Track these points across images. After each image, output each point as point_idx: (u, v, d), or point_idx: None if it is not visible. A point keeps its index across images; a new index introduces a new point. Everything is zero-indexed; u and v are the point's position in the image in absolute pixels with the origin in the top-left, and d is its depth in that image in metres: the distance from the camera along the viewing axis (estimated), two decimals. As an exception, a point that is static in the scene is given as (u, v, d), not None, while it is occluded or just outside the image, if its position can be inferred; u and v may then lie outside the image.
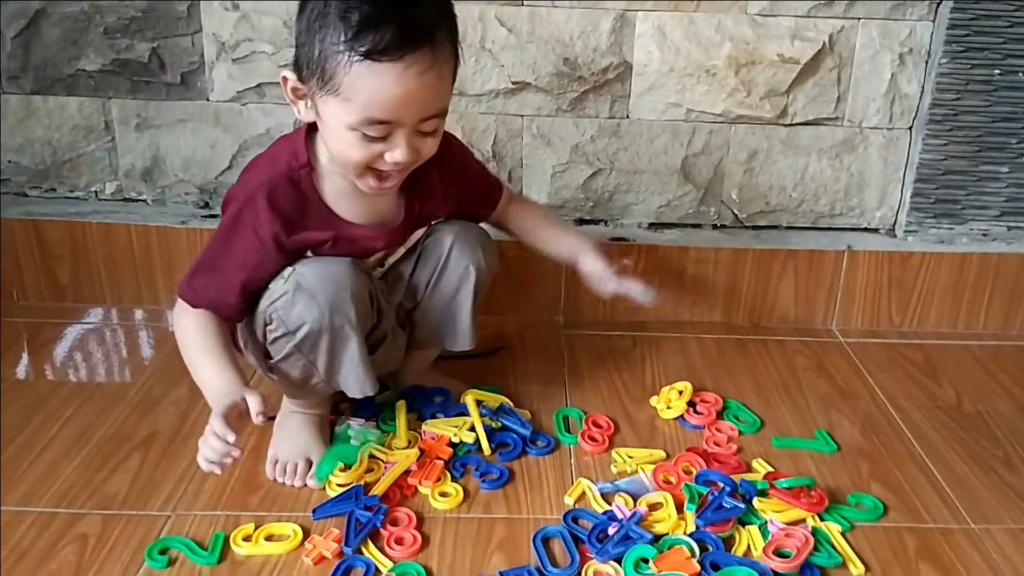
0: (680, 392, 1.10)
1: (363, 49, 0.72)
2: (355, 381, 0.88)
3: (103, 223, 1.28)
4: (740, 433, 1.03)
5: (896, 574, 0.81)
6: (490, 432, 0.98)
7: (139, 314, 1.30)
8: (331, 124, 0.79)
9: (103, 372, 1.14)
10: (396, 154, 0.78)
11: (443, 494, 0.89)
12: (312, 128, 0.86)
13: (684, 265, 1.30)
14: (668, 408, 1.07)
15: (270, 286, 0.86)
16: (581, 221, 1.36)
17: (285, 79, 0.81)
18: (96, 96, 1.30)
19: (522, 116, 1.30)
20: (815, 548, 0.82)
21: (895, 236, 1.36)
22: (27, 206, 1.32)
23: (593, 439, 1.00)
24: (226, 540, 0.82)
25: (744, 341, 1.28)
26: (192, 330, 0.86)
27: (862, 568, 0.81)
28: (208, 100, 1.30)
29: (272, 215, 0.83)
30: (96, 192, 1.37)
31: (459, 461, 0.94)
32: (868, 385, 1.17)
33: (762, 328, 1.32)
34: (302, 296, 0.84)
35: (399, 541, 0.82)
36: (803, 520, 0.87)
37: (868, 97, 1.30)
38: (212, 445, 0.75)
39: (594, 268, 0.99)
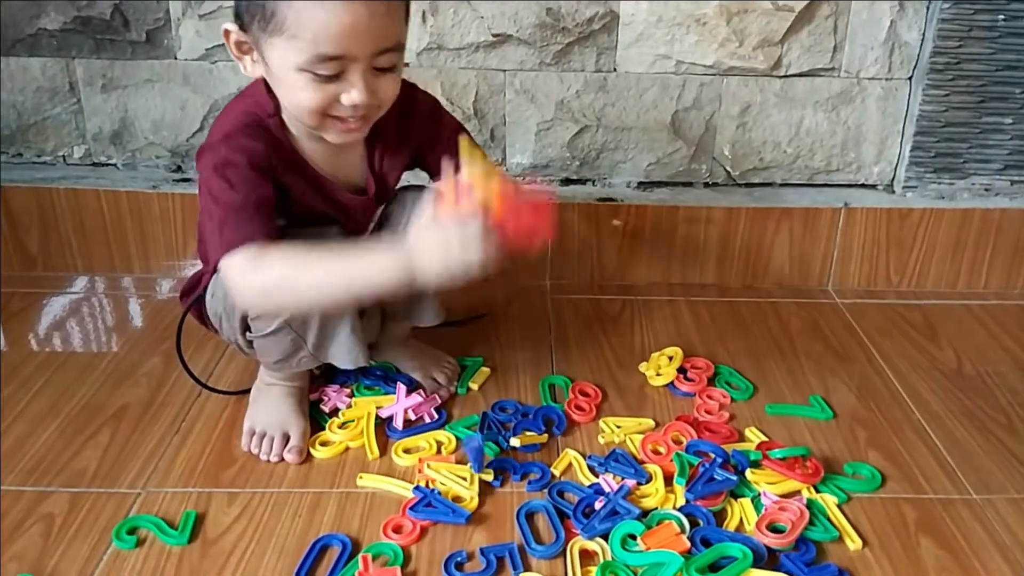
0: (670, 358, 1.06)
1: None
2: (347, 353, 0.85)
3: (71, 189, 1.23)
4: (732, 400, 1.00)
5: (895, 548, 0.78)
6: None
7: (112, 282, 1.25)
8: (280, 70, 0.74)
9: (75, 343, 1.09)
10: (353, 95, 0.73)
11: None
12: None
13: (674, 225, 1.25)
14: (658, 375, 1.03)
15: None
16: (567, 181, 1.31)
17: (227, 32, 0.75)
18: (59, 56, 1.24)
19: (504, 71, 1.24)
20: (810, 522, 0.79)
21: (893, 192, 1.31)
22: (-9, 173, 1.27)
23: (580, 408, 0.96)
24: (198, 519, 0.79)
25: (736, 304, 1.24)
26: (276, 256, 0.74)
27: (859, 542, 0.78)
28: (176, 59, 1.24)
29: (256, 142, 0.78)
30: (64, 157, 1.31)
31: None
32: (865, 348, 1.13)
33: (755, 290, 1.28)
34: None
35: (396, 529, 0.79)
36: (798, 492, 0.84)
37: (866, 46, 1.24)
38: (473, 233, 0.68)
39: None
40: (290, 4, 0.69)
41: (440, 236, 0.69)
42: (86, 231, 1.25)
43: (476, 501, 0.81)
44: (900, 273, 1.29)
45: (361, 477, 0.85)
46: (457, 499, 0.81)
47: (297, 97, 0.74)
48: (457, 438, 0.89)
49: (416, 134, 0.89)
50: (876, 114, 1.27)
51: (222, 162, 0.77)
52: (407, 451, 0.89)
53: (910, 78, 1.26)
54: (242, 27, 0.74)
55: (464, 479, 0.83)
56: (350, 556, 0.75)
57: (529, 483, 0.84)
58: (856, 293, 1.28)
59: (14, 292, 1.22)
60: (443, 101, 1.23)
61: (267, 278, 0.75)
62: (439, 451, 0.88)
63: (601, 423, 0.94)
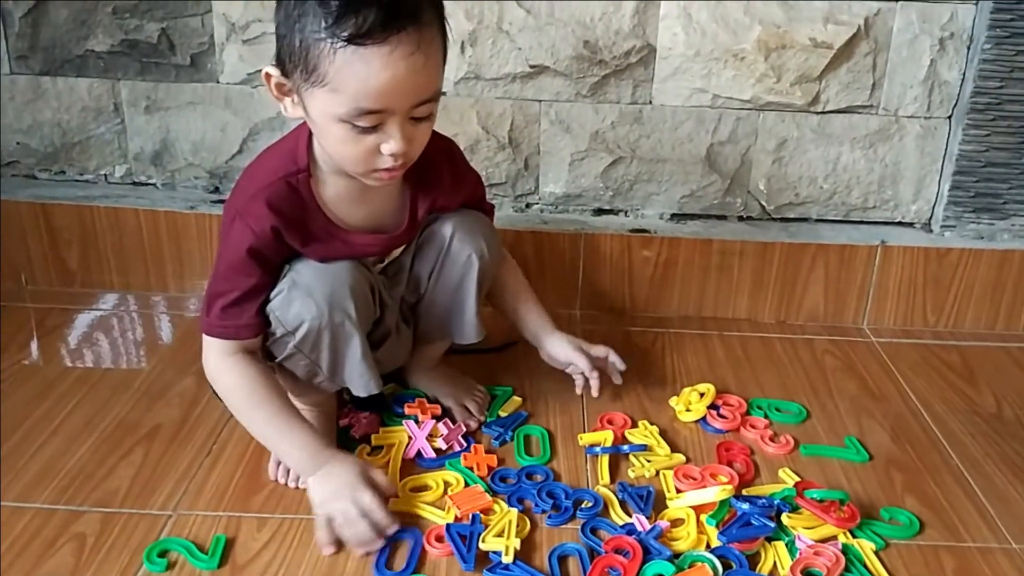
0: (701, 394, 1.05)
1: (345, 34, 0.68)
2: (359, 379, 0.85)
3: (111, 207, 1.25)
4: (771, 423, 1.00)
5: (932, 597, 0.77)
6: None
7: (147, 300, 1.27)
8: (320, 119, 0.74)
9: (109, 360, 1.11)
10: (391, 145, 0.74)
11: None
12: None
13: (708, 258, 1.24)
14: (687, 411, 1.02)
15: None
16: (600, 211, 1.31)
17: (268, 75, 0.76)
18: (105, 77, 1.27)
19: (540, 101, 1.25)
20: (847, 568, 0.77)
21: (931, 231, 1.30)
22: (35, 189, 1.29)
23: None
24: (227, 543, 0.79)
25: (770, 340, 1.23)
26: (238, 387, 0.82)
27: (896, 590, 0.77)
28: (218, 82, 1.26)
29: (270, 213, 0.79)
30: (105, 175, 1.34)
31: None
32: (901, 389, 1.11)
33: (789, 326, 1.27)
34: (298, 293, 0.80)
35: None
36: (834, 537, 0.82)
37: (905, 84, 1.23)
38: (362, 531, 0.77)
39: (559, 351, 0.98)
40: (331, 58, 0.69)
41: (339, 506, 0.78)
42: (124, 249, 1.27)
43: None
44: (937, 313, 1.27)
45: (392, 503, 0.84)
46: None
47: (338, 147, 0.76)
48: (465, 479, 0.88)
49: (443, 176, 0.90)
50: (915, 152, 1.26)
51: (231, 225, 0.81)
52: (414, 489, 0.87)
53: (950, 117, 1.25)
54: (283, 72, 0.75)
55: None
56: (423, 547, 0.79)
57: (549, 517, 0.83)
58: (892, 332, 1.26)
59: (51, 308, 1.23)
60: (479, 130, 1.26)
61: (223, 384, 0.83)
62: (445, 492, 0.87)
63: (631, 456, 0.93)
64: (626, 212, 1.31)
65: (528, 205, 1.31)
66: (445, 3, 0.76)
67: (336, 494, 0.78)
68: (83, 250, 1.27)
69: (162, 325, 1.21)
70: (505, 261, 1.00)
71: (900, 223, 1.31)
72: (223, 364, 0.82)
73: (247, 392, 0.81)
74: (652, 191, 1.29)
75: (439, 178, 0.89)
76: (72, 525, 0.81)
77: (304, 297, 0.80)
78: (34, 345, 1.14)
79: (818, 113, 1.24)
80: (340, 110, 0.71)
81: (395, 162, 0.76)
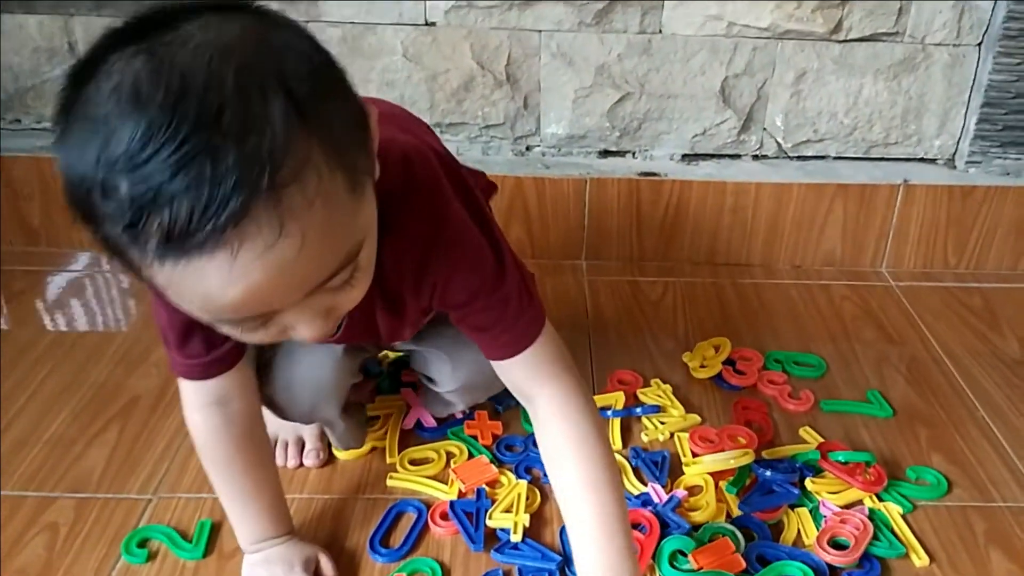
0: (716, 348, 0.99)
1: (153, 245, 0.40)
2: (339, 442, 0.82)
3: (77, 158, 1.16)
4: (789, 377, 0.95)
5: (964, 563, 0.73)
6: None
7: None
8: None
9: (79, 327, 1.03)
10: (300, 333, 0.48)
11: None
12: None
13: (721, 202, 1.16)
14: (702, 367, 0.96)
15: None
16: (606, 153, 1.22)
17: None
18: (57, 13, 1.15)
19: (539, 31, 1.14)
20: (874, 535, 0.72)
21: (955, 167, 1.22)
22: (-11, 139, 1.20)
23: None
24: (213, 529, 0.73)
25: (785, 286, 1.16)
26: (201, 434, 0.65)
27: (926, 558, 0.72)
28: (185, 17, 1.15)
29: None
30: (68, 122, 1.23)
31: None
32: (923, 335, 1.06)
33: (805, 271, 1.20)
34: (276, 408, 0.74)
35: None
36: (859, 501, 0.77)
37: (934, 9, 1.13)
38: None
39: None
40: (150, 270, 0.42)
41: None
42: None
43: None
44: (959, 254, 1.20)
45: (391, 477, 0.79)
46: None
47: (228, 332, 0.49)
48: (469, 449, 0.83)
49: (405, 278, 0.60)
50: (941, 83, 1.17)
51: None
52: (413, 462, 0.82)
53: (979, 44, 1.15)
54: None
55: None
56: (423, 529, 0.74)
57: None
58: (911, 275, 1.20)
59: (14, 270, 1.15)
60: (473, 66, 1.15)
61: (192, 432, 0.66)
62: (448, 463, 0.81)
63: (644, 419, 0.88)
64: (634, 153, 1.22)
65: (528, 148, 1.22)
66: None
67: None
68: (46, 206, 1.18)
69: (136, 288, 1.13)
70: (560, 391, 0.63)
71: (922, 159, 1.23)
72: (189, 419, 0.65)
73: (205, 450, 0.66)
74: (662, 130, 1.20)
75: (400, 280, 0.60)
76: (44, 513, 0.75)
77: (284, 407, 0.74)
78: (3, 309, 1.06)
79: (840, 42, 1.15)
80: (201, 317, 0.46)
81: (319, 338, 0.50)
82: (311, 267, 0.43)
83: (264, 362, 0.71)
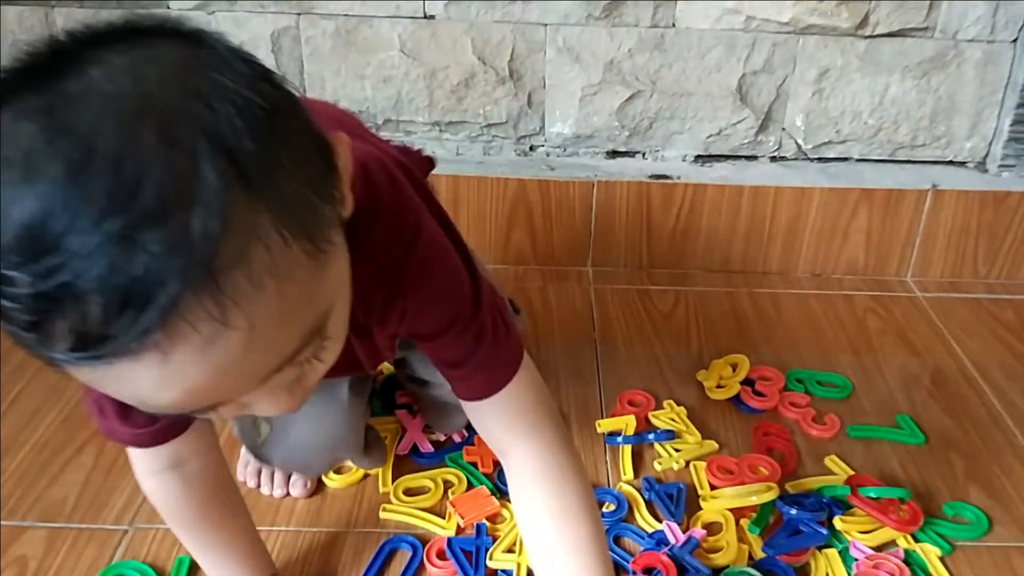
0: (734, 367, 0.93)
1: (62, 348, 0.32)
2: (368, 467, 0.77)
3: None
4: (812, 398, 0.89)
5: (1007, 613, 0.67)
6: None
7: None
8: None
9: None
10: (262, 410, 0.41)
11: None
12: None
13: (737, 206, 1.10)
14: (719, 387, 0.90)
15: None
16: (615, 154, 1.16)
17: None
18: (38, 4, 1.09)
19: (545, 25, 1.08)
20: (911, 581, 0.67)
21: (986, 171, 1.15)
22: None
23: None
24: (192, 567, 0.68)
25: (805, 296, 1.10)
26: (158, 501, 0.58)
27: (968, 608, 0.66)
28: (169, 7, 1.09)
29: None
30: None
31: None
32: (952, 352, 0.99)
33: (826, 280, 1.14)
34: (295, 467, 0.70)
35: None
36: (893, 542, 0.71)
37: (966, 3, 1.06)
38: None
39: None
40: (72, 371, 0.35)
41: None
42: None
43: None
44: (989, 264, 1.14)
45: (384, 508, 0.73)
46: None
47: None
48: (468, 478, 0.77)
49: (376, 299, 0.52)
50: (973, 82, 1.11)
51: None
52: (408, 492, 0.76)
53: (1015, 41, 1.09)
54: None
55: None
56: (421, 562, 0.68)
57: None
58: (938, 286, 1.13)
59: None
60: (474, 61, 1.09)
61: (151, 499, 0.59)
62: (446, 494, 0.75)
63: (656, 446, 0.82)
64: (644, 154, 1.16)
65: (532, 148, 1.16)
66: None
67: None
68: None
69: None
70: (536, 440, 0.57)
71: (952, 162, 1.16)
72: (142, 484, 0.58)
73: (167, 513, 0.59)
74: (674, 130, 1.13)
75: (367, 309, 0.52)
76: (12, 545, 0.70)
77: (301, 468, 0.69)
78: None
79: (866, 37, 1.08)
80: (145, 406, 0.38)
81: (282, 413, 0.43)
82: (264, 357, 0.36)
83: (261, 440, 0.65)
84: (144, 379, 0.34)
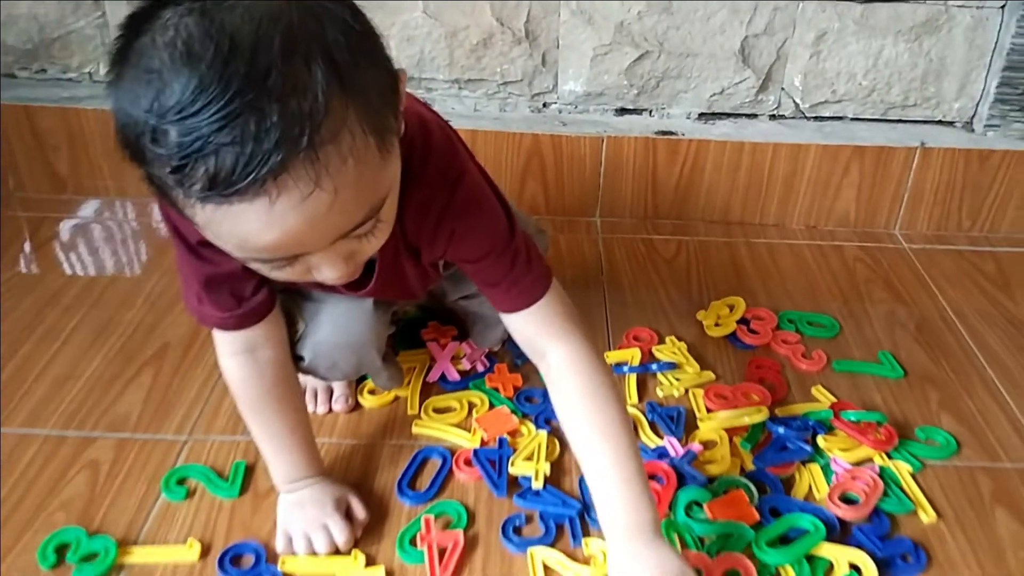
0: (731, 307, 1.01)
1: (197, 188, 0.43)
2: (385, 384, 0.84)
3: (100, 109, 1.17)
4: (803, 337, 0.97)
5: (970, 521, 0.75)
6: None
7: (146, 208, 1.20)
8: None
9: (112, 272, 1.06)
10: (324, 274, 0.52)
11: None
12: None
13: (737, 162, 1.17)
14: (716, 325, 0.98)
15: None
16: (623, 111, 1.23)
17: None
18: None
19: (560, -12, 1.14)
20: (884, 492, 0.75)
21: (973, 131, 1.22)
22: (17, 90, 1.20)
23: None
24: (247, 470, 0.76)
25: (799, 247, 1.17)
26: (234, 381, 0.68)
27: (933, 515, 0.75)
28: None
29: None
30: (90, 73, 1.24)
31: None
32: (935, 299, 1.07)
33: (819, 232, 1.21)
34: (321, 365, 0.75)
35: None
36: (870, 459, 0.80)
37: (959, -32, 1.12)
38: (328, 539, 0.68)
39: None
40: (193, 210, 0.45)
41: (298, 529, 0.68)
42: (116, 153, 1.18)
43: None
44: (973, 218, 1.21)
45: (416, 424, 0.82)
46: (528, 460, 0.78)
47: (257, 269, 0.53)
48: (490, 400, 0.85)
49: (424, 230, 0.63)
50: (963, 45, 1.17)
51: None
52: (436, 411, 0.85)
53: (1003, 7, 1.15)
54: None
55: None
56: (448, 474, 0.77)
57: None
58: (925, 238, 1.21)
59: (45, 217, 1.17)
60: (492, 22, 1.15)
61: (225, 376, 0.69)
62: (470, 412, 0.84)
63: (659, 376, 0.90)
64: (651, 112, 1.22)
65: (546, 104, 1.23)
66: None
67: (300, 520, 0.69)
68: (72, 155, 1.20)
69: (164, 234, 1.15)
70: (568, 346, 0.65)
71: (940, 122, 1.23)
72: (223, 364, 0.69)
73: (238, 395, 0.69)
74: (680, 89, 1.20)
75: (418, 230, 0.63)
76: (85, 452, 0.78)
77: (328, 368, 0.75)
78: (27, 259, 1.09)
79: (862, 2, 1.14)
80: (236, 254, 0.50)
81: (339, 281, 0.54)
82: (340, 218, 0.47)
83: (297, 336, 0.73)
84: (253, 220, 0.44)
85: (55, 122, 1.17)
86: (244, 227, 0.45)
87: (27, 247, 1.11)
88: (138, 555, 0.68)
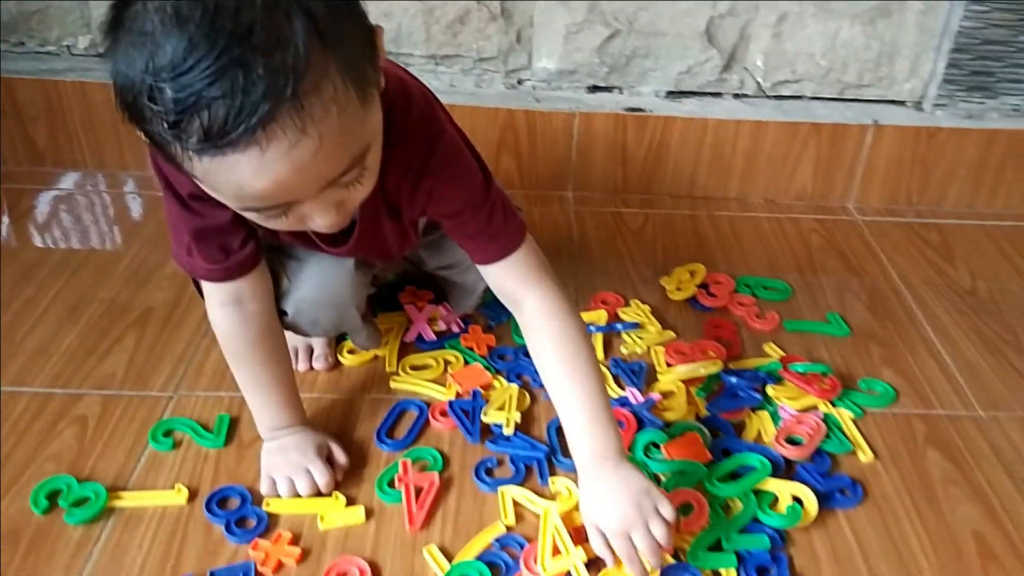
0: (692, 273, 1.07)
1: (193, 141, 0.47)
2: (364, 344, 0.88)
3: (78, 82, 1.19)
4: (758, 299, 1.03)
5: (904, 461, 0.82)
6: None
7: (124, 180, 1.23)
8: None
9: (91, 243, 1.08)
10: (316, 222, 0.56)
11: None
12: None
13: (702, 138, 1.23)
14: (678, 289, 1.04)
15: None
16: (594, 88, 1.27)
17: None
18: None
19: (533, -32, 1.18)
20: (826, 435, 0.81)
21: (922, 110, 1.29)
22: (-6, 62, 1.22)
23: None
24: (232, 422, 0.80)
25: (758, 219, 1.23)
26: (222, 331, 0.73)
27: (871, 455, 0.81)
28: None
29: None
30: (68, 47, 1.26)
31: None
32: (883, 266, 1.14)
33: (778, 205, 1.27)
34: (303, 320, 0.78)
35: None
36: (815, 407, 0.86)
37: (910, -46, 1.18)
38: (310, 481, 0.73)
39: (585, 514, 0.67)
40: (190, 164, 0.49)
41: (282, 473, 0.73)
42: (95, 126, 1.22)
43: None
44: (921, 192, 1.28)
45: (394, 380, 0.86)
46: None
47: (251, 219, 0.59)
48: (465, 358, 0.90)
49: (404, 187, 0.67)
50: (914, 29, 1.23)
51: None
52: (413, 368, 0.89)
53: (952, -9, 1.21)
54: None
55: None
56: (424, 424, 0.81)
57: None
58: (876, 211, 1.28)
59: (24, 188, 1.19)
60: (470, 2, 1.19)
61: (214, 328, 0.73)
62: (446, 369, 0.89)
63: (623, 334, 0.95)
64: (621, 89, 1.27)
65: (520, 81, 1.27)
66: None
67: (283, 464, 0.74)
68: (51, 127, 1.22)
69: (143, 205, 1.18)
70: (539, 293, 0.71)
71: (892, 101, 1.30)
72: (211, 315, 0.73)
73: (226, 344, 0.74)
74: (649, 67, 1.25)
75: (399, 188, 0.67)
76: (72, 408, 0.82)
77: (310, 324, 0.78)
78: (8, 230, 1.11)
79: (820, -16, 1.20)
80: (229, 204, 0.55)
81: (329, 229, 0.58)
82: (326, 165, 0.51)
83: (282, 292, 0.76)
84: (246, 168, 0.49)
85: (34, 94, 1.19)
86: (238, 176, 0.49)
87: (5, 219, 1.13)
88: (128, 499, 0.72)
